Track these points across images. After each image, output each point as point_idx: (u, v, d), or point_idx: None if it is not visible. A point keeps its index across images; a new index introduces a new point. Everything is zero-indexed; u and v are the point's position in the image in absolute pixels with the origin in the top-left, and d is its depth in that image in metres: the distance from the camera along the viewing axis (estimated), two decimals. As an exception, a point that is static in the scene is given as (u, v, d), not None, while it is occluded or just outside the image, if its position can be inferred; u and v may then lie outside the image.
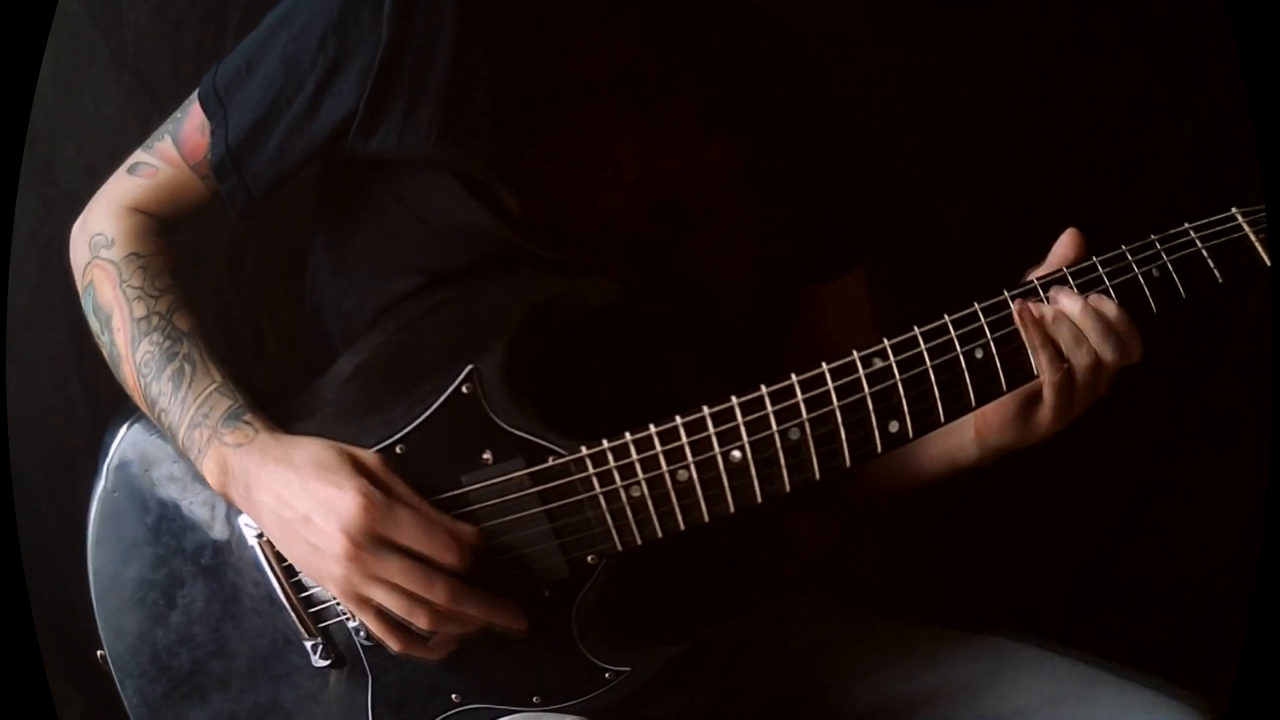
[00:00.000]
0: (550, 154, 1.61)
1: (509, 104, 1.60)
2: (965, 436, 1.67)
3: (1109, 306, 1.51)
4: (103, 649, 1.73)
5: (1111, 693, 1.70)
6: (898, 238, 2.36)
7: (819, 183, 1.82)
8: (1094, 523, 2.56)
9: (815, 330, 1.86)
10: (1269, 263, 1.52)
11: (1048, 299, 1.51)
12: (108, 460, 1.72)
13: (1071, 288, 1.51)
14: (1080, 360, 1.51)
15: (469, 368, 1.56)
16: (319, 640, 1.65)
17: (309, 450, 1.55)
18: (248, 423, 1.58)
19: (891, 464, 1.73)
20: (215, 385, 1.61)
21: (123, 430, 1.72)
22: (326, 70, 1.60)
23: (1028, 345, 1.51)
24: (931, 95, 2.42)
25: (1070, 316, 1.50)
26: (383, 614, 1.55)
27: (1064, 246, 1.56)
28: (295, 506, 1.52)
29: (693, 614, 1.77)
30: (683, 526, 1.55)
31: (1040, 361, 1.51)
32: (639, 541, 1.56)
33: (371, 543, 1.50)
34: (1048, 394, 1.54)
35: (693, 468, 1.52)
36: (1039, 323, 1.50)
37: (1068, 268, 1.53)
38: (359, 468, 1.53)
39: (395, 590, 1.52)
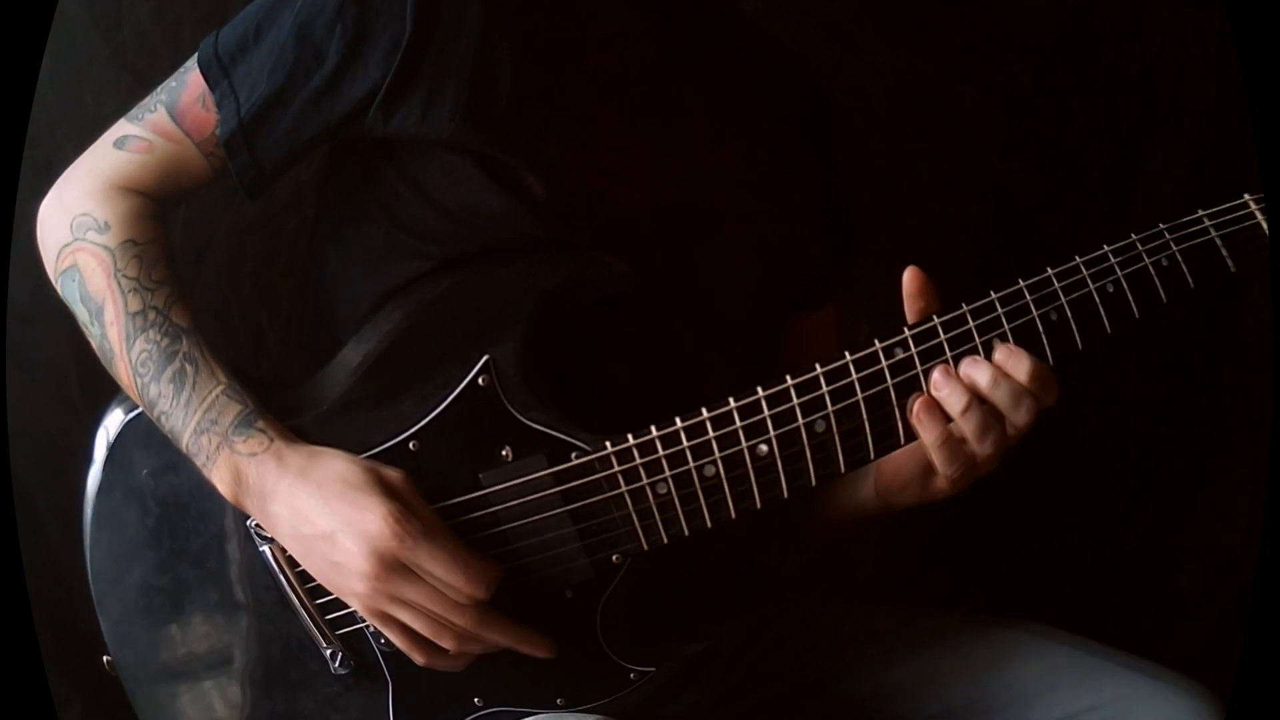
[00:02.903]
0: (566, 144, 1.54)
1: (528, 90, 1.52)
2: (867, 492, 1.64)
3: (1022, 367, 1.43)
4: (109, 654, 1.65)
5: (1112, 671, 1.67)
6: (901, 232, 2.36)
7: (820, 198, 1.76)
8: (1095, 517, 2.53)
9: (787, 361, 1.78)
10: None
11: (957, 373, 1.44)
12: (101, 457, 1.62)
13: (979, 356, 1.44)
14: (987, 445, 1.46)
15: (485, 358, 1.48)
16: (337, 648, 1.57)
17: (332, 465, 1.47)
18: (261, 430, 1.49)
19: (820, 505, 1.72)
20: (221, 388, 1.50)
21: (116, 424, 1.62)
22: (348, 44, 1.50)
23: (926, 443, 1.46)
24: (931, 94, 2.39)
25: (983, 393, 1.43)
26: (406, 630, 1.48)
27: (915, 293, 1.46)
28: (318, 524, 1.44)
29: (702, 611, 1.70)
30: (709, 523, 1.48)
31: (938, 459, 1.47)
32: (665, 540, 1.49)
33: (398, 567, 1.43)
34: (942, 477, 1.50)
35: (719, 463, 1.45)
36: (939, 415, 1.44)
37: (939, 316, 1.46)
38: (385, 488, 1.45)
39: (419, 612, 1.45)
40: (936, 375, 1.44)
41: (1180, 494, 2.53)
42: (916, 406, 1.44)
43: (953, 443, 1.45)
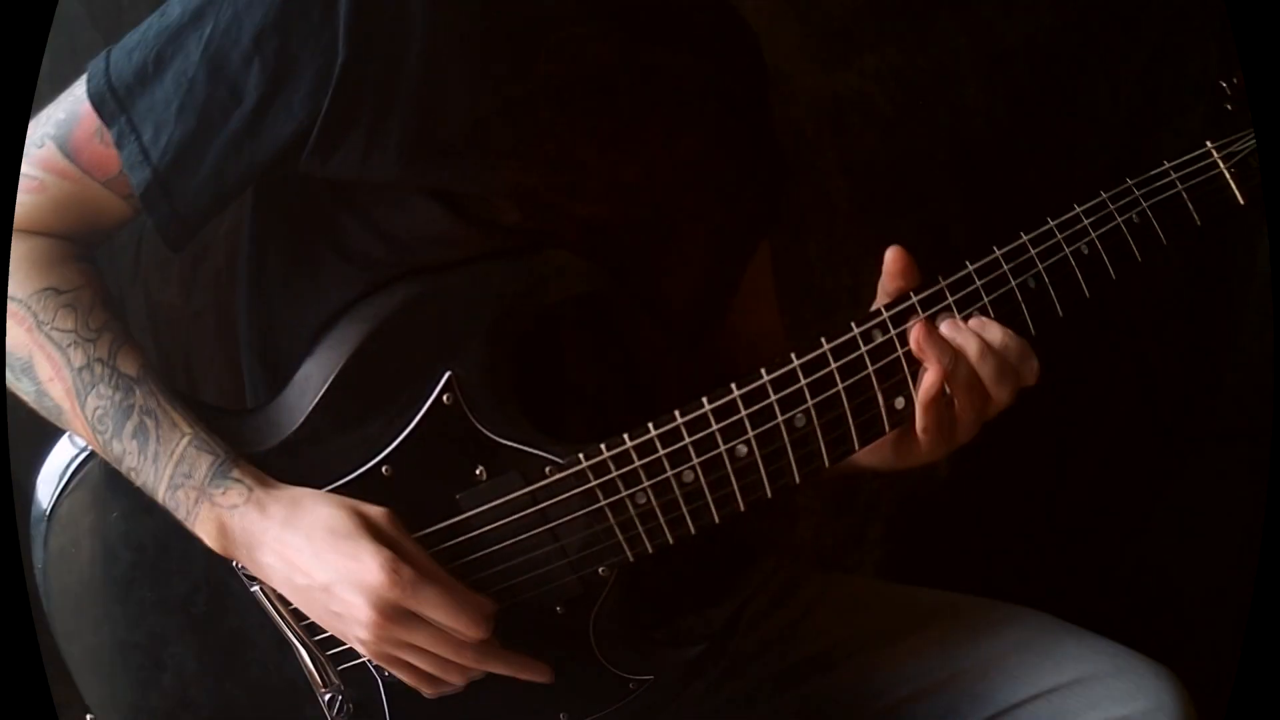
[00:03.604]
0: (524, 163, 1.45)
1: (483, 113, 1.41)
2: None
3: (995, 335, 1.39)
4: (91, 714, 1.58)
5: (1075, 642, 1.66)
6: (901, 231, 2.35)
7: (756, 161, 1.69)
8: (1092, 512, 2.53)
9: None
10: (1242, 201, 1.44)
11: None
12: (49, 503, 1.54)
13: (955, 317, 1.40)
14: (969, 401, 1.41)
15: (447, 374, 1.42)
16: (335, 689, 1.53)
17: (315, 512, 1.41)
18: (237, 479, 1.41)
19: None
20: (187, 440, 1.42)
21: (65, 465, 1.53)
22: (269, 79, 1.36)
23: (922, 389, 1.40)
24: (930, 94, 2.38)
25: (969, 357, 1.39)
26: (413, 668, 1.45)
27: (895, 272, 1.42)
28: (313, 576, 1.39)
29: (695, 610, 1.68)
30: (693, 530, 1.44)
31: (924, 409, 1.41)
32: (650, 550, 1.45)
33: (400, 614, 1.39)
34: (922, 436, 1.43)
35: (698, 468, 1.40)
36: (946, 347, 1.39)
37: (916, 294, 1.41)
38: (374, 532, 1.40)
39: (425, 653, 1.43)
40: (916, 332, 1.39)
41: (1180, 488, 2.53)
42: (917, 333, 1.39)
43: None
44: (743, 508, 1.44)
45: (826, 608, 1.78)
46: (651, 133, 1.54)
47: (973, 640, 1.68)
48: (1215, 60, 2.29)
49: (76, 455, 1.54)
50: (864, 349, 1.40)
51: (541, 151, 1.46)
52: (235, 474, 1.42)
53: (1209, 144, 1.44)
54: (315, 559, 1.39)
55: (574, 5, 1.49)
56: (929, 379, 1.39)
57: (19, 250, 1.43)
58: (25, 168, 1.43)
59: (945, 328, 1.39)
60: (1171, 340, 2.41)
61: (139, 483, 1.45)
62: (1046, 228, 1.42)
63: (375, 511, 1.42)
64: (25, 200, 1.43)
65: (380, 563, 1.37)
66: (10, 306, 1.43)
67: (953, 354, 1.38)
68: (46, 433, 1.55)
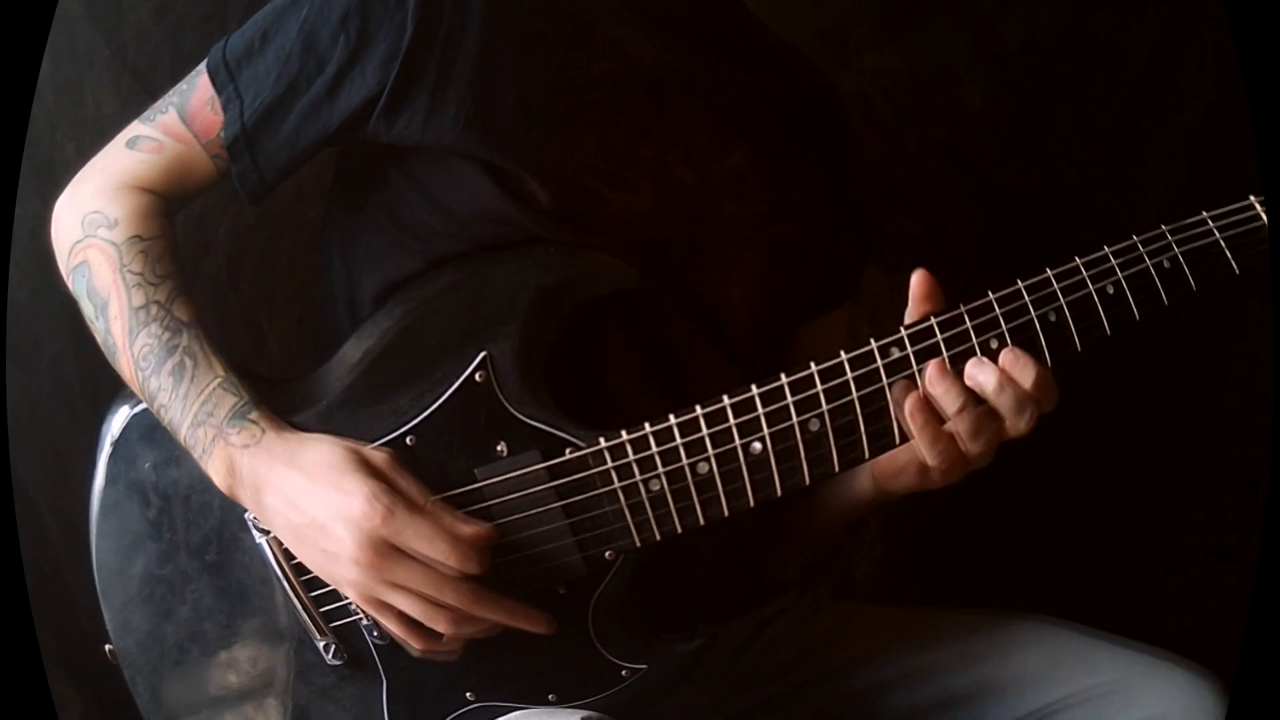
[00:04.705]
0: (571, 150, 1.55)
1: (533, 97, 1.54)
2: (864, 478, 1.64)
3: (1028, 373, 1.42)
4: (110, 643, 1.65)
5: (1109, 653, 1.68)
6: (901, 232, 2.36)
7: (830, 199, 1.76)
8: (1095, 513, 2.54)
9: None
10: None
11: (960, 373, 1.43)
12: (105, 450, 1.63)
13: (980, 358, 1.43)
14: (979, 444, 1.45)
15: (482, 354, 1.49)
16: (331, 640, 1.58)
17: (317, 451, 1.47)
18: (254, 421, 1.49)
19: (818, 494, 1.71)
20: (218, 381, 1.51)
21: (121, 419, 1.63)
22: (349, 52, 1.52)
23: (918, 438, 1.45)
24: (931, 94, 2.39)
25: (988, 396, 1.43)
26: (403, 617, 1.48)
27: (923, 296, 1.46)
28: (307, 512, 1.45)
29: (698, 611, 1.70)
30: (702, 521, 1.48)
31: (928, 454, 1.46)
32: (658, 537, 1.49)
33: (385, 548, 1.43)
34: (933, 470, 1.49)
35: (713, 460, 1.45)
36: (931, 413, 1.44)
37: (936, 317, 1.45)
38: (368, 469, 1.45)
39: (413, 596, 1.45)
40: (932, 371, 1.43)
41: (1180, 488, 2.53)
42: (909, 403, 1.43)
43: (944, 439, 1.45)
44: (753, 503, 1.48)
45: (845, 631, 1.82)
46: (699, 139, 1.63)
47: (1002, 652, 1.72)
48: (1213, 61, 2.30)
49: (130, 415, 1.64)
50: (880, 363, 1.45)
51: (585, 140, 1.56)
52: (253, 416, 1.50)
53: (1252, 198, 1.45)
54: (310, 494, 1.46)
55: (622, 9, 1.60)
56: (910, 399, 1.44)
57: (130, 203, 1.59)
58: (148, 131, 1.61)
59: (970, 365, 1.43)
60: (1172, 339, 2.41)
61: (166, 420, 1.54)
62: (1072, 264, 1.45)
63: (377, 453, 1.49)
64: (144, 159, 1.61)
65: (367, 493, 1.43)
66: (107, 249, 1.56)
67: (934, 417, 1.44)
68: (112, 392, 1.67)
